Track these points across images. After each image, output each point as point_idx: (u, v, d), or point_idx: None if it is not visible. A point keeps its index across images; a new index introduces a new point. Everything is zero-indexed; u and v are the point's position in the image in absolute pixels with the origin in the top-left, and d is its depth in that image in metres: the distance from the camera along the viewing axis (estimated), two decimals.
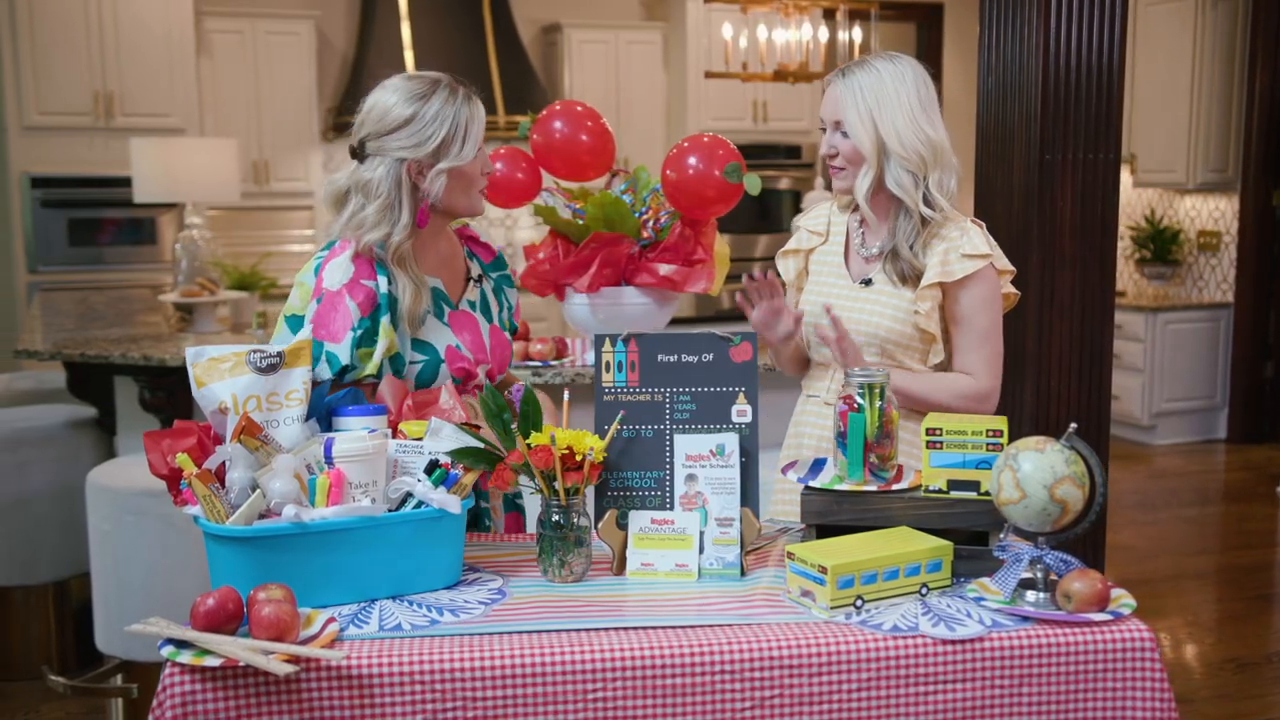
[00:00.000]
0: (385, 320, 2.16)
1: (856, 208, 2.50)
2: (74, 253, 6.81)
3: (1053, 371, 3.34)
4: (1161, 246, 7.87)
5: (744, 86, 7.85)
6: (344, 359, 2.13)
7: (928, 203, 2.34)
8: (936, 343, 2.38)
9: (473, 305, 2.35)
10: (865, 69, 2.36)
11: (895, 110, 2.32)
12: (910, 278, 2.37)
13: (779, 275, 2.60)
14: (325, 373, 2.13)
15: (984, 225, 2.42)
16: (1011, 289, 2.46)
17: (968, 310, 2.36)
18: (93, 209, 6.81)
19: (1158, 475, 6.91)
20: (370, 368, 2.15)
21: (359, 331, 2.14)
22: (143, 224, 6.92)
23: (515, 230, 8.09)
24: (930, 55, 9.15)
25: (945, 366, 2.42)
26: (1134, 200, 8.21)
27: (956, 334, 2.38)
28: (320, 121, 7.52)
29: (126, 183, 5.30)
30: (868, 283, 2.44)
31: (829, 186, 2.79)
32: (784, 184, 8.28)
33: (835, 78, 2.41)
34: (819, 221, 2.59)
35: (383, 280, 2.17)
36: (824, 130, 2.46)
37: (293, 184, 7.46)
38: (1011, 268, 2.43)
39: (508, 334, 2.43)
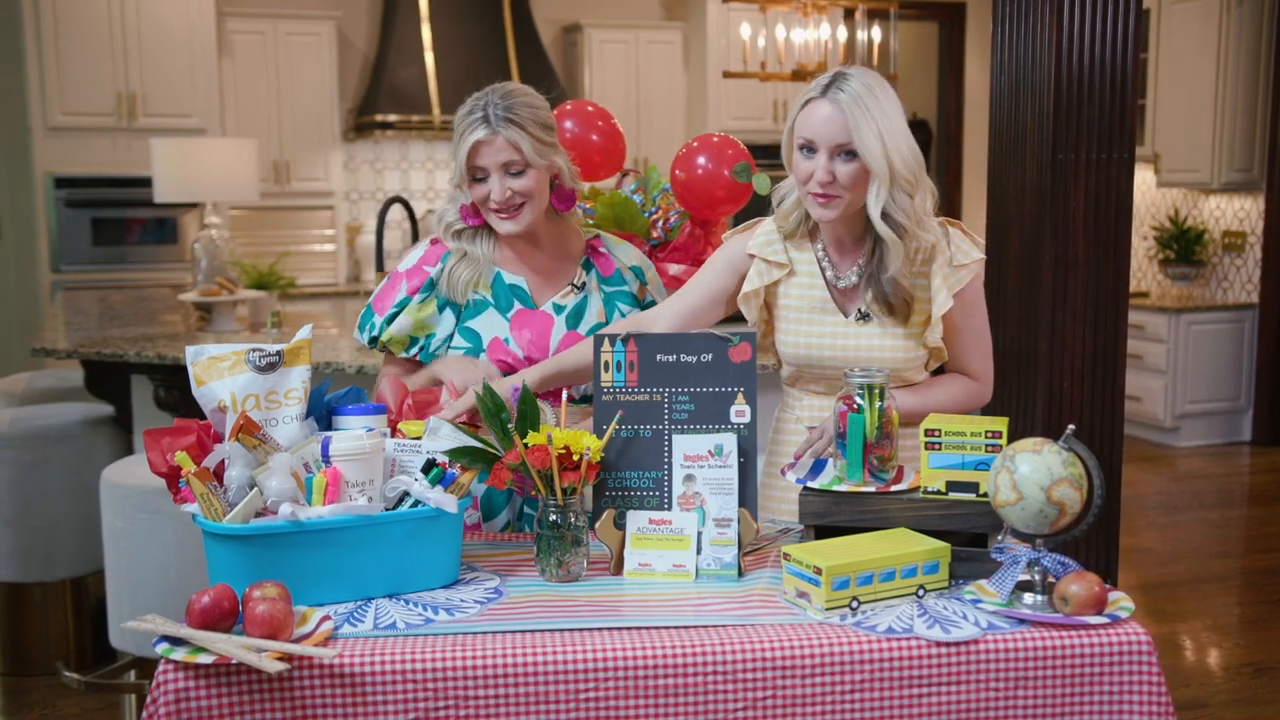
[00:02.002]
0: (419, 299, 2.35)
1: (812, 235, 2.30)
2: (97, 252, 6.87)
3: (1065, 373, 3.31)
4: (1185, 247, 7.81)
5: (764, 86, 7.84)
6: (376, 329, 2.39)
7: (920, 225, 2.17)
8: (943, 353, 2.34)
9: (558, 309, 2.39)
10: (857, 82, 2.12)
11: (895, 130, 2.12)
12: (899, 304, 2.22)
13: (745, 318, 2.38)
14: (364, 339, 2.42)
15: (960, 223, 2.28)
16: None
17: (968, 314, 2.28)
18: (116, 209, 6.87)
19: (1180, 477, 6.85)
20: (385, 335, 2.37)
21: (398, 309, 2.38)
22: (165, 224, 6.98)
23: None
24: (953, 55, 9.12)
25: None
26: (1158, 200, 8.15)
27: (956, 339, 2.29)
28: (341, 122, 7.55)
29: (149, 183, 5.34)
30: (865, 317, 2.27)
31: None
32: None
33: (831, 95, 2.12)
34: (775, 251, 2.30)
35: (441, 265, 2.37)
36: (806, 153, 2.16)
37: (313, 184, 7.50)
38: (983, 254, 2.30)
39: None
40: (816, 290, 2.30)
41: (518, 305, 2.38)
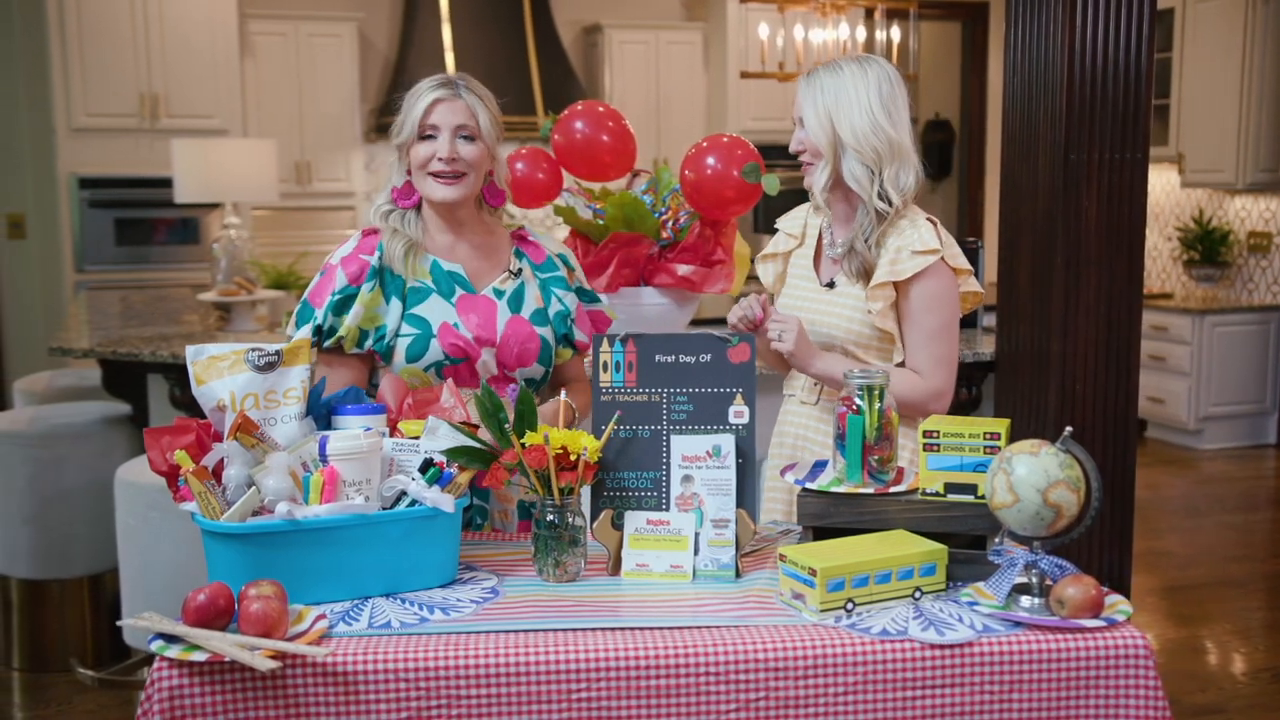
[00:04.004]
0: (368, 288, 2.30)
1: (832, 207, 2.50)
2: (121, 252, 6.93)
3: (1077, 374, 3.29)
4: (1210, 248, 7.74)
5: (784, 86, 7.80)
6: (319, 319, 2.30)
7: (882, 197, 2.35)
8: (896, 342, 2.39)
9: (499, 294, 2.41)
10: (829, 69, 2.40)
11: (852, 106, 2.34)
12: (864, 275, 2.37)
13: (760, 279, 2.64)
14: (306, 334, 2.29)
15: (938, 222, 2.41)
16: (974, 287, 2.43)
17: (916, 307, 2.35)
18: (139, 209, 6.92)
19: (1204, 480, 6.79)
20: (342, 329, 2.29)
21: (339, 296, 2.30)
22: (188, 224, 7.03)
23: (557, 231, 8.10)
24: (975, 54, 9.07)
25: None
26: (1182, 201, 8.08)
27: (906, 331, 2.37)
28: (362, 122, 7.58)
29: (171, 183, 5.38)
30: (831, 285, 2.46)
31: None
32: None
33: (801, 78, 2.45)
34: (796, 224, 2.60)
35: (379, 255, 2.34)
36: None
37: (335, 184, 7.54)
38: (968, 266, 2.41)
39: (544, 332, 2.41)
40: (806, 259, 2.53)
41: (459, 290, 2.38)
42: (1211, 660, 4.28)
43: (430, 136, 2.30)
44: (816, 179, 2.40)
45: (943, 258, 2.34)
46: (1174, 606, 4.78)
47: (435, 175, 2.31)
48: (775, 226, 2.63)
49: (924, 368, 2.36)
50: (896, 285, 2.35)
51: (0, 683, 4.02)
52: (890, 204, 2.35)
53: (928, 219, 2.39)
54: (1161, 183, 8.14)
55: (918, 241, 2.33)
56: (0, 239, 7.26)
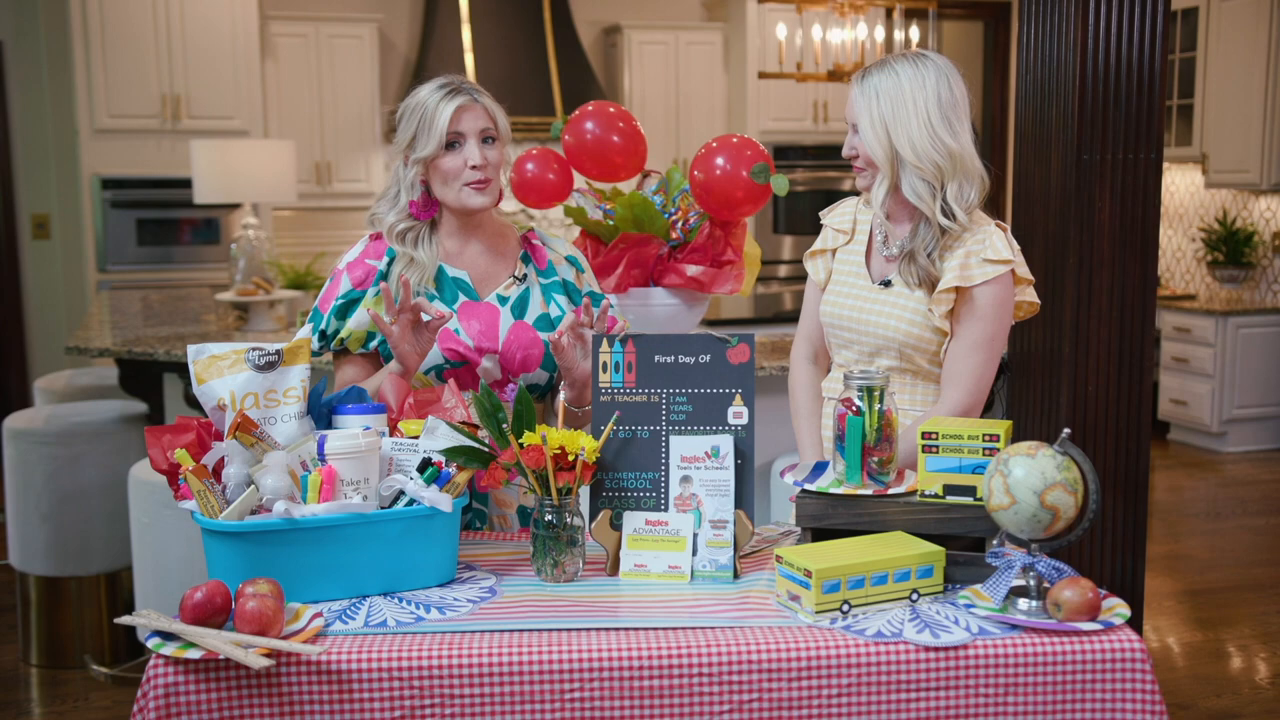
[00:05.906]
0: (373, 292, 2.33)
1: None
2: (142, 252, 6.98)
3: (1089, 376, 3.27)
4: (1234, 249, 7.67)
5: (804, 87, 7.80)
6: (322, 324, 2.35)
7: (945, 213, 2.25)
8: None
9: (503, 301, 2.41)
10: (884, 72, 2.27)
11: (910, 118, 2.23)
12: (925, 283, 2.29)
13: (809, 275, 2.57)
14: (315, 341, 2.35)
15: (1008, 229, 2.32)
16: (1031, 298, 2.37)
17: (976, 312, 2.27)
18: (160, 209, 6.97)
19: (1227, 483, 6.73)
20: (344, 331, 2.33)
21: (342, 301, 2.33)
22: (210, 224, 7.07)
23: (574, 230, 8.11)
24: (998, 55, 9.02)
25: None
26: (1206, 201, 8.01)
27: (957, 332, 2.28)
28: (382, 123, 7.61)
29: (193, 184, 5.42)
30: (887, 284, 2.36)
31: None
32: (846, 185, 8.21)
33: (855, 79, 2.33)
34: (844, 219, 2.50)
35: (387, 261, 2.36)
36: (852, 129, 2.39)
37: (355, 185, 7.57)
38: (1030, 277, 2.34)
39: (546, 336, 2.41)
40: (857, 255, 2.45)
41: (463, 297, 2.38)
42: (1231, 665, 4.24)
43: (454, 145, 2.30)
44: (875, 192, 2.30)
45: (1013, 269, 2.28)
46: (1194, 610, 4.74)
47: (470, 185, 2.32)
48: (821, 222, 2.54)
49: (961, 377, 2.27)
50: (958, 289, 2.26)
51: (18, 678, 4.06)
52: (955, 220, 2.25)
53: (997, 224, 2.30)
54: (1185, 183, 8.08)
55: (990, 250, 2.24)
56: (24, 239, 7.34)
